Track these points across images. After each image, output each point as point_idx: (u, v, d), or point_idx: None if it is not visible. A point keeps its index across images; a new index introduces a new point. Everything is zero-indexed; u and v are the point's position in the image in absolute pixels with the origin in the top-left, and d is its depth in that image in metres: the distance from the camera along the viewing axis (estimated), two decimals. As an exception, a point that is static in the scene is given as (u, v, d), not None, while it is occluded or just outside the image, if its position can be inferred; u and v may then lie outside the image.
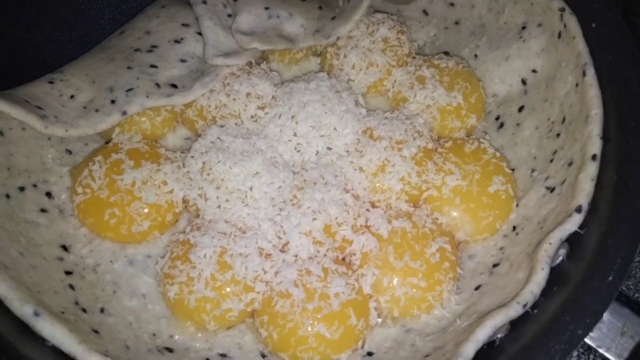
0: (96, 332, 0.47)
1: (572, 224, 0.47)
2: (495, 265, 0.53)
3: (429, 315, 0.52)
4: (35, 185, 0.55)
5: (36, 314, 0.44)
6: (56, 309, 0.46)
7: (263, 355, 0.50)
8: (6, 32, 0.61)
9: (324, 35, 0.64)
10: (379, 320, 0.52)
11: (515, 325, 0.44)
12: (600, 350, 0.41)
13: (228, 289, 0.50)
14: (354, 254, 0.54)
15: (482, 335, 0.43)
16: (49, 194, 0.56)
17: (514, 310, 0.44)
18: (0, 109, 0.51)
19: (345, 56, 0.64)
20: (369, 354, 0.50)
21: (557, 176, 0.52)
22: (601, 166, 0.48)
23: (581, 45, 0.53)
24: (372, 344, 0.51)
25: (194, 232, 0.53)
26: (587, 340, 0.40)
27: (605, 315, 0.40)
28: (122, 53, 0.62)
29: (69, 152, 0.59)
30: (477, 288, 0.52)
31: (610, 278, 0.41)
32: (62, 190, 0.57)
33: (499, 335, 0.44)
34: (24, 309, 0.43)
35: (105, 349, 0.45)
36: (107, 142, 0.60)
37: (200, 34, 0.64)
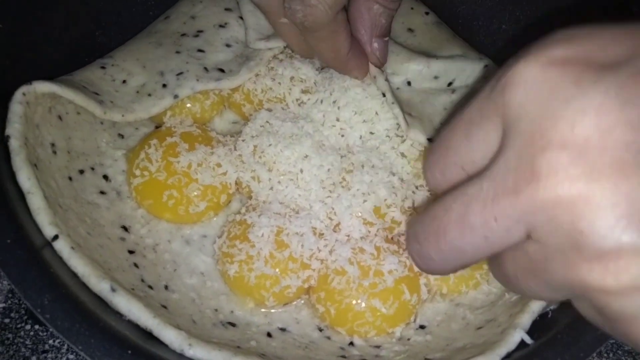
0: (165, 307, 0.49)
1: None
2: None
3: (476, 291, 0.54)
4: (92, 168, 0.57)
5: (113, 290, 0.46)
6: (127, 285, 0.48)
7: (320, 329, 0.53)
8: (53, 20, 0.62)
9: None
10: (428, 295, 0.55)
11: (566, 298, 0.47)
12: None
13: (286, 267, 0.52)
14: (403, 234, 0.56)
15: (536, 307, 0.46)
16: (105, 177, 0.58)
17: (565, 285, 0.47)
18: (64, 95, 0.52)
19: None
20: (421, 327, 0.53)
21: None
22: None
23: None
24: (423, 317, 0.53)
25: (250, 213, 0.55)
26: None
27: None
28: (170, 38, 0.63)
29: (121, 136, 0.61)
30: (521, 265, 0.54)
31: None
32: (118, 173, 0.58)
33: (551, 307, 0.47)
34: (101, 285, 0.45)
35: (176, 323, 0.47)
36: (157, 127, 0.62)
37: (242, 18, 0.65)
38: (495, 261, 0.35)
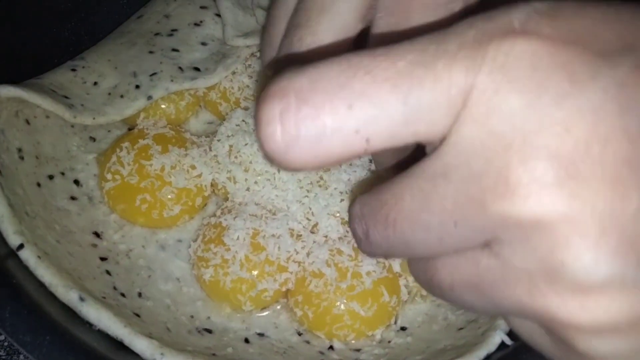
0: (137, 315, 0.48)
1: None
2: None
3: (457, 291, 0.53)
4: (63, 173, 0.56)
5: (81, 299, 0.44)
6: (98, 294, 0.47)
7: (299, 334, 0.52)
8: (20, 21, 0.60)
9: None
10: (408, 296, 0.54)
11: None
12: None
13: (263, 270, 0.51)
14: (382, 233, 0.55)
15: (517, 307, 0.45)
16: (76, 182, 0.56)
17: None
18: (31, 100, 0.51)
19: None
20: (403, 328, 0.52)
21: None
22: None
23: None
24: (404, 319, 0.52)
25: (226, 216, 0.54)
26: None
27: None
28: (143, 38, 0.62)
29: (93, 139, 0.59)
30: (503, 263, 0.53)
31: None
32: (89, 178, 0.57)
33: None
34: (69, 295, 0.44)
35: (149, 331, 0.45)
36: (130, 129, 0.61)
37: (218, 15, 0.64)
38: (422, 261, 0.28)
